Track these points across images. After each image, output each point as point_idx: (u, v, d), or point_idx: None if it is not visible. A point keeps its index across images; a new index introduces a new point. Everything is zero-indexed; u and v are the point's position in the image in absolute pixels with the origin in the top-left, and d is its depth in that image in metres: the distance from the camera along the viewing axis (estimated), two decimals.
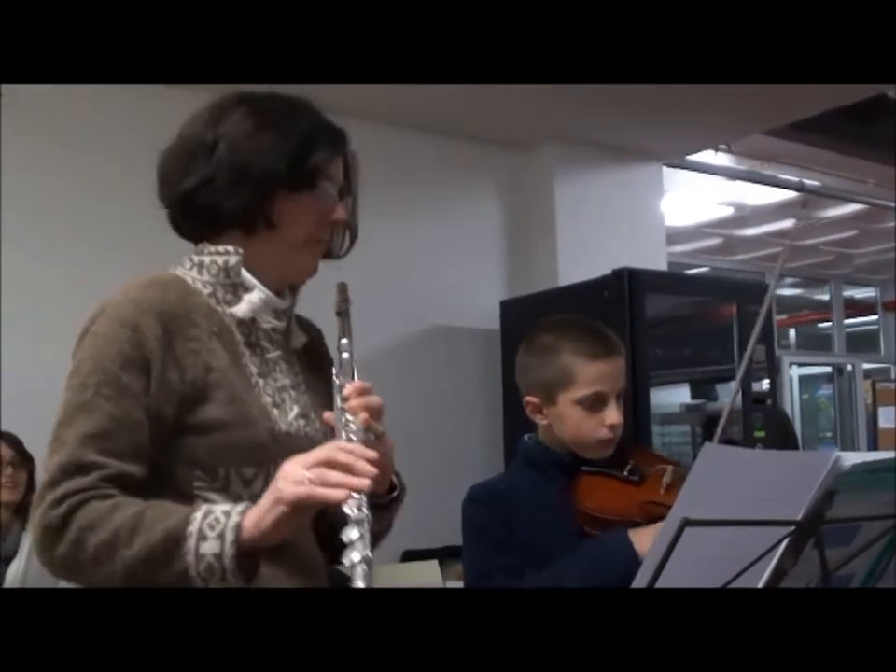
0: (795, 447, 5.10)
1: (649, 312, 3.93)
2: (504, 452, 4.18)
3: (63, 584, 1.25)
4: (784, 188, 5.98)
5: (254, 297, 1.34)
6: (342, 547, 1.10)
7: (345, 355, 1.30)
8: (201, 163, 1.31)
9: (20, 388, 3.14)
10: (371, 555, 1.08)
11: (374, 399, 1.25)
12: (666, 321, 4.44)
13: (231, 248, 1.33)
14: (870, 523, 1.06)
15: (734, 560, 0.97)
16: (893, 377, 8.50)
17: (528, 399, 1.76)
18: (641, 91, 3.74)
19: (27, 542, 3.01)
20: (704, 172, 5.53)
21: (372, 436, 1.23)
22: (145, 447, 1.23)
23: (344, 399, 1.24)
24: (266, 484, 1.18)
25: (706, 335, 4.62)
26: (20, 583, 3.00)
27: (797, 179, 5.88)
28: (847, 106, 4.41)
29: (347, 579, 1.08)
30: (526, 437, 1.82)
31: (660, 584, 0.97)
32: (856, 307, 9.12)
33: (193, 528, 1.14)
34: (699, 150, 5.15)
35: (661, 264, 4.82)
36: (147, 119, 3.29)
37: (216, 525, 1.14)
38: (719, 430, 1.95)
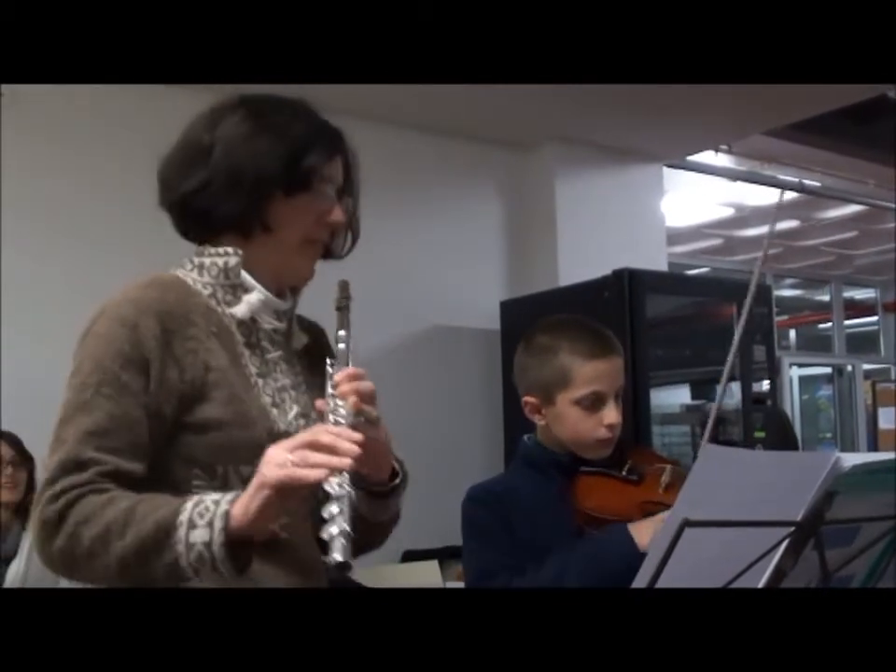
0: (795, 448, 5.10)
1: (649, 312, 3.93)
2: (504, 452, 4.17)
3: (63, 584, 1.25)
4: (784, 188, 5.97)
5: (253, 298, 1.34)
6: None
7: (342, 345, 1.31)
8: (198, 167, 1.32)
9: (20, 388, 3.14)
10: (349, 530, 1.08)
11: (366, 384, 1.25)
12: (667, 321, 4.44)
13: (230, 250, 1.34)
14: (870, 524, 1.06)
15: (734, 561, 0.97)
16: (893, 378, 8.49)
17: (527, 399, 1.76)
18: (641, 92, 3.74)
19: (27, 542, 3.01)
20: (704, 172, 5.52)
21: (363, 419, 1.23)
22: (144, 445, 1.23)
23: (335, 385, 1.24)
24: None
25: (706, 335, 4.62)
26: (20, 583, 3.00)
27: (797, 180, 5.87)
28: (847, 107, 4.41)
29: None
30: (525, 437, 1.82)
31: (660, 584, 0.97)
32: (856, 308, 9.11)
33: (184, 518, 1.14)
34: (699, 151, 5.15)
35: (661, 265, 4.82)
36: (147, 119, 3.31)
37: (205, 513, 1.14)
38: (707, 432, 1.93)
